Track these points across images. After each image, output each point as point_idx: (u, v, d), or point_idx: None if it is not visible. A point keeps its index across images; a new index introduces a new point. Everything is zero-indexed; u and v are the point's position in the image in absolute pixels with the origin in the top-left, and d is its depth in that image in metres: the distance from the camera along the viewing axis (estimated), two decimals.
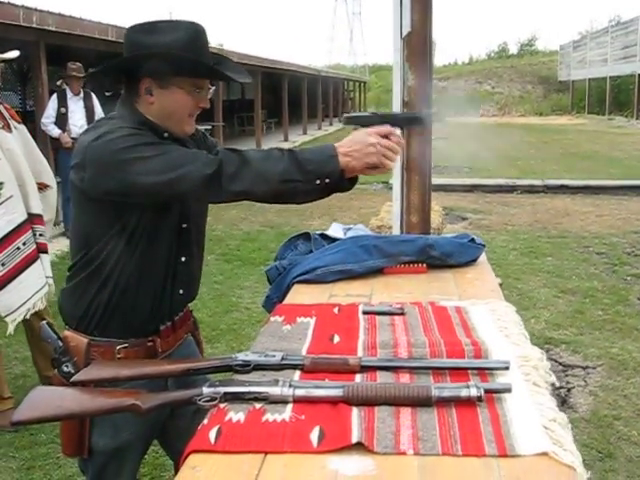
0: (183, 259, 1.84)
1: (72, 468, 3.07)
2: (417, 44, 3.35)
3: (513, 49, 54.00)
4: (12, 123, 3.23)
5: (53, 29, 7.29)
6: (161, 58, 1.63)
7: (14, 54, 3.57)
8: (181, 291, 1.87)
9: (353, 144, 1.67)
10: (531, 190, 10.71)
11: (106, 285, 1.72)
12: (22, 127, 3.38)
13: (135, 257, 1.71)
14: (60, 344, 1.74)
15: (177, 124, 1.73)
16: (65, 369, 1.73)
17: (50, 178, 3.44)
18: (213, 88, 1.80)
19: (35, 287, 3.14)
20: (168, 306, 1.84)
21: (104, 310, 1.74)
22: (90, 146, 1.62)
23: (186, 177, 1.57)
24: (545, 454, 1.14)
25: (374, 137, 1.68)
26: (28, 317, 3.14)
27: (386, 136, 1.70)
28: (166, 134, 1.72)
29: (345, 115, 1.86)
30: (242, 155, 1.63)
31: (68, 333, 1.78)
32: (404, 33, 3.35)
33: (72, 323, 1.79)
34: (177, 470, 2.12)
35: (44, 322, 1.81)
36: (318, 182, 1.64)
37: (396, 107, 3.42)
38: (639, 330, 4.58)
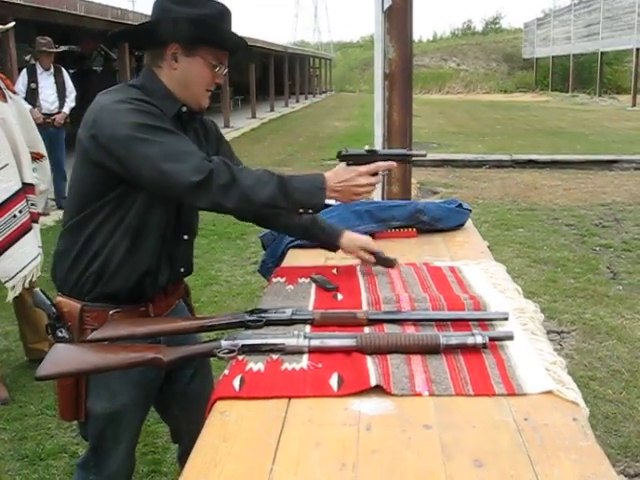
0: (185, 237, 1.86)
1: (64, 438, 3.10)
2: (398, 17, 3.42)
3: (478, 27, 54.22)
4: (7, 93, 3.20)
5: (22, 2, 7.16)
6: (194, 24, 1.65)
7: (11, 25, 3.54)
8: (182, 269, 1.90)
9: (344, 182, 1.69)
10: (499, 165, 10.86)
11: (99, 253, 1.71)
12: (17, 97, 3.37)
13: (130, 227, 1.70)
14: (54, 310, 1.74)
15: (194, 96, 1.75)
16: (59, 334, 1.73)
17: (43, 148, 3.44)
18: (227, 69, 1.81)
19: (31, 255, 3.15)
20: (165, 279, 1.84)
21: (97, 277, 1.73)
22: (105, 109, 1.62)
23: (176, 174, 1.56)
24: (550, 392, 1.23)
25: (365, 178, 1.71)
26: (27, 286, 3.15)
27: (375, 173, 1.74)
28: (184, 108, 1.74)
29: (342, 153, 1.78)
30: (233, 171, 1.60)
31: (61, 299, 1.77)
32: (385, 6, 3.40)
33: (64, 289, 1.78)
34: (174, 433, 2.19)
35: (37, 289, 1.80)
36: (301, 211, 1.67)
37: (378, 80, 3.48)
38: (609, 297, 4.74)
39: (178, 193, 1.60)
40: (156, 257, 1.78)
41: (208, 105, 1.82)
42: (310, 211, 1.68)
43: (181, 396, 2.02)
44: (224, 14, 1.73)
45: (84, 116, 1.69)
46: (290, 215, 1.69)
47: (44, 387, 3.45)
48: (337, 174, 1.71)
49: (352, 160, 1.75)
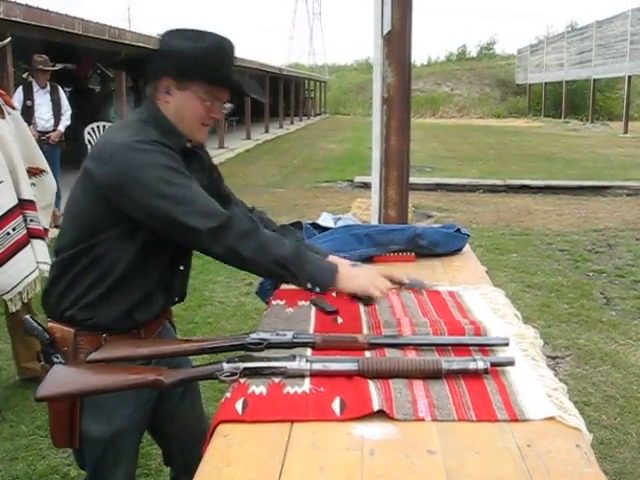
0: (182, 267, 1.87)
1: (56, 459, 3.08)
2: (397, 42, 3.45)
3: (472, 52, 54.74)
4: (6, 109, 3.20)
5: (20, 20, 7.20)
6: (185, 59, 1.66)
7: (6, 41, 3.56)
8: (177, 299, 1.91)
9: (359, 272, 1.81)
10: (493, 189, 10.93)
11: (96, 285, 1.70)
12: (15, 113, 3.36)
13: (131, 262, 1.70)
14: (47, 336, 1.72)
15: (189, 129, 1.75)
16: (55, 360, 1.70)
17: (44, 163, 3.44)
18: (229, 105, 1.82)
19: (26, 271, 3.13)
20: (161, 307, 1.86)
21: (92, 308, 1.72)
22: (124, 147, 1.62)
23: (195, 219, 1.59)
24: (552, 418, 1.23)
25: (382, 280, 1.81)
26: (25, 300, 3.14)
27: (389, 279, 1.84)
28: (189, 144, 1.76)
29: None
30: (256, 223, 1.70)
31: (52, 325, 1.75)
32: (385, 31, 3.43)
33: (55, 315, 1.76)
34: (166, 454, 2.17)
35: (27, 316, 1.77)
36: (309, 286, 1.71)
37: (376, 104, 3.51)
38: (603, 322, 4.75)
39: (196, 237, 1.62)
40: (153, 289, 1.79)
41: (206, 140, 1.83)
42: (317, 289, 1.71)
43: (172, 415, 2.01)
44: (222, 49, 1.72)
45: (96, 148, 1.71)
46: (293, 281, 1.73)
47: (36, 407, 3.42)
48: (355, 268, 1.84)
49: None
